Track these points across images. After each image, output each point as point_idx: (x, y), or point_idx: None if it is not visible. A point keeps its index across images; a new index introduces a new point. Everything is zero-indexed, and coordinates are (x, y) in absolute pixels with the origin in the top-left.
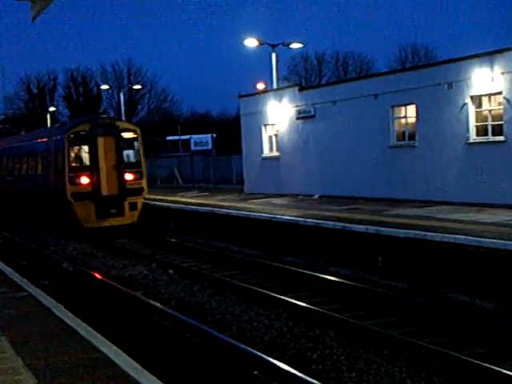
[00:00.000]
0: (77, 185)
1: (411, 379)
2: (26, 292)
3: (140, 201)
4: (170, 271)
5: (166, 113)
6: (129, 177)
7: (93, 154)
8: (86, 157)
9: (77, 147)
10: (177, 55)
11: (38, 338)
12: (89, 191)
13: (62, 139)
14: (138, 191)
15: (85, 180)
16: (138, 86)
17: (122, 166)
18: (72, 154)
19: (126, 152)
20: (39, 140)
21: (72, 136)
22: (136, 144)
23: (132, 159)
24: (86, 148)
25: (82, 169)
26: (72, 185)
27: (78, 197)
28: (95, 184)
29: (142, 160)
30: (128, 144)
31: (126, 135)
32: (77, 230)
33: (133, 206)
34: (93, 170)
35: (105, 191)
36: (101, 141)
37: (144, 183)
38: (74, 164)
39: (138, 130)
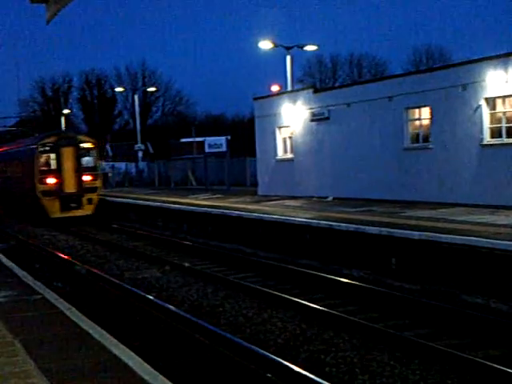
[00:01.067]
0: (45, 184)
1: (424, 381)
2: (39, 295)
3: (95, 197)
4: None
5: (180, 115)
6: (86, 178)
7: (58, 160)
8: (52, 162)
9: (45, 155)
10: (191, 57)
11: (51, 341)
12: (54, 189)
13: (34, 149)
14: (94, 189)
15: (51, 180)
16: (152, 89)
17: (80, 170)
18: (41, 161)
19: (84, 159)
20: (19, 149)
21: (41, 146)
22: (92, 152)
23: (89, 164)
24: (52, 156)
25: (50, 172)
26: (41, 184)
27: (46, 193)
28: (59, 183)
29: (98, 165)
30: (86, 152)
31: (84, 146)
32: (45, 220)
33: (89, 201)
34: (58, 172)
35: (67, 189)
36: (64, 150)
37: (98, 183)
38: (43, 168)
39: (94, 141)
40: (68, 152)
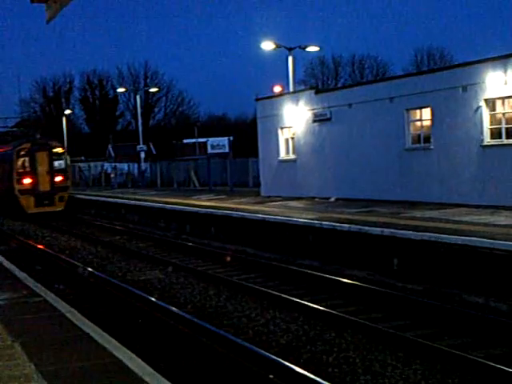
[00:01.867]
0: (22, 184)
1: (426, 381)
2: (39, 297)
3: (66, 195)
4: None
5: (182, 116)
6: (58, 178)
7: (33, 163)
8: (28, 165)
9: (22, 159)
10: (194, 58)
11: (51, 344)
12: (30, 188)
13: (12, 153)
14: (65, 188)
15: (27, 181)
16: (154, 89)
17: (53, 171)
18: (19, 164)
19: (56, 162)
20: (1, 153)
21: (19, 151)
22: (63, 156)
23: (61, 167)
24: (28, 159)
25: (26, 173)
26: (19, 184)
27: (23, 192)
28: (34, 183)
29: (68, 167)
30: (57, 156)
31: (56, 150)
32: (22, 215)
33: (61, 199)
34: (33, 173)
35: (41, 188)
36: (38, 154)
37: (69, 183)
38: (20, 170)
39: (64, 147)
40: (42, 156)
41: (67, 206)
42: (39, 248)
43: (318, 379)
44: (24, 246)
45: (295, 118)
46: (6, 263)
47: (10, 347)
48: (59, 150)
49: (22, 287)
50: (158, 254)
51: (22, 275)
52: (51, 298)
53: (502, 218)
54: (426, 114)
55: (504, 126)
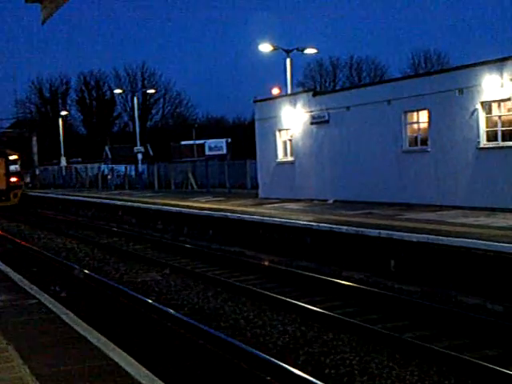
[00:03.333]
0: None
1: (422, 383)
2: (35, 299)
3: (19, 192)
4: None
5: (180, 117)
6: (13, 179)
7: None
8: None
9: None
10: (192, 60)
11: (46, 346)
12: None
13: None
14: (18, 187)
15: None
16: (151, 91)
17: (9, 174)
18: None
19: (11, 166)
20: None
21: None
22: (18, 162)
23: (16, 170)
24: None
25: None
26: None
27: None
28: None
29: (21, 171)
30: (12, 162)
31: (11, 157)
32: None
33: (15, 195)
34: None
35: None
36: None
37: (22, 183)
38: None
39: (19, 155)
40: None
41: (66, 206)
42: (35, 249)
43: (315, 381)
44: (19, 248)
45: (293, 120)
46: (1, 265)
47: (4, 350)
48: (14, 157)
49: (17, 289)
50: (156, 255)
51: (17, 277)
52: (47, 300)
53: (498, 220)
54: (423, 116)
55: (500, 128)
